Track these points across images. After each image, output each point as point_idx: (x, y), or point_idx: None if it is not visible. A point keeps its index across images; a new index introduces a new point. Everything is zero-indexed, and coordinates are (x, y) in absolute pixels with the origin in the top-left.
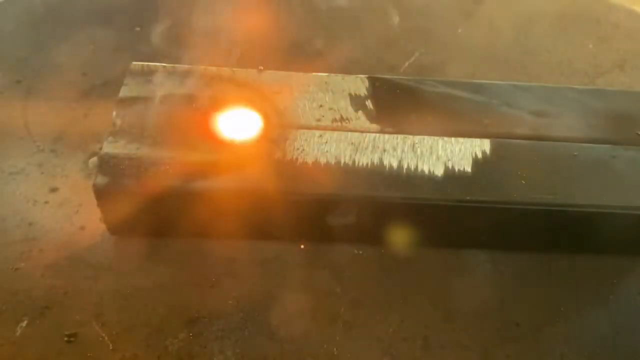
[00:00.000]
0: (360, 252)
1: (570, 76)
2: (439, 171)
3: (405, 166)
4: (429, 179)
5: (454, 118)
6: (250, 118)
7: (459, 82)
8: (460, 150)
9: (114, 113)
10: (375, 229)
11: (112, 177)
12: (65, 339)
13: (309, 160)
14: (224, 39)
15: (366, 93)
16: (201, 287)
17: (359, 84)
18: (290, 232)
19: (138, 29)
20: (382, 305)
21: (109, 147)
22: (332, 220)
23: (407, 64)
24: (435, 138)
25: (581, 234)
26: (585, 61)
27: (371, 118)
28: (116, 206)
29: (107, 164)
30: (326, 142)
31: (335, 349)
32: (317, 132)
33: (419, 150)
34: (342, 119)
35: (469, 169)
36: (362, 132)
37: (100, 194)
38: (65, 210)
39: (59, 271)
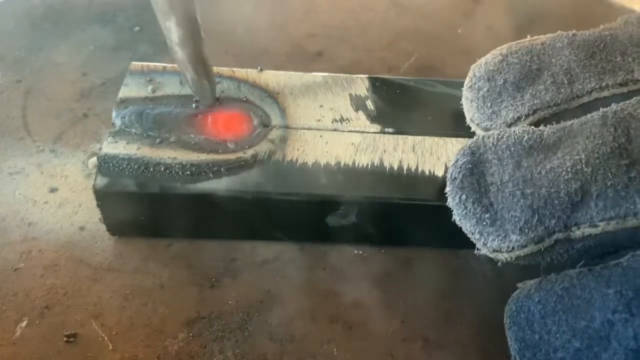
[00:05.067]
0: (360, 252)
1: None
2: (440, 172)
3: (405, 167)
4: (430, 180)
5: (454, 118)
6: (250, 118)
7: (459, 82)
8: None
9: (114, 113)
10: (375, 229)
11: (112, 177)
12: (65, 339)
13: (309, 160)
14: (223, 38)
15: (366, 93)
16: (201, 287)
17: (359, 84)
18: (290, 233)
19: (138, 29)
20: (382, 305)
21: (109, 148)
22: (332, 220)
23: (407, 64)
24: (436, 138)
25: None
26: None
27: (371, 118)
28: (116, 207)
29: (107, 165)
30: (326, 143)
31: (335, 349)
32: (317, 133)
33: (419, 150)
34: (342, 119)
35: None
36: (362, 132)
37: (100, 194)
38: (65, 211)
39: (59, 271)
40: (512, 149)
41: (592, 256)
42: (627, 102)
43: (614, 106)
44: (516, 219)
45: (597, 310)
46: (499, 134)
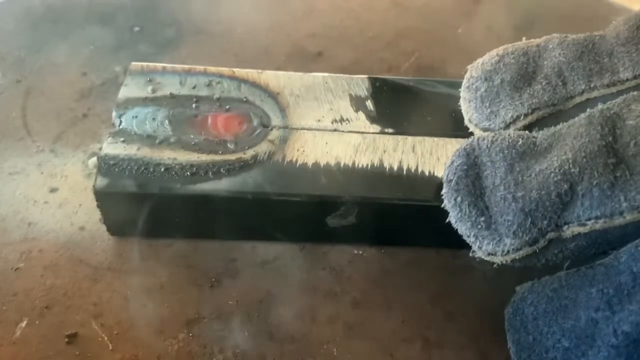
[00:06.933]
0: (360, 253)
1: None
2: (440, 172)
3: (405, 167)
4: (430, 180)
5: (454, 118)
6: (250, 119)
7: (459, 82)
8: None
9: (114, 113)
10: (375, 229)
11: (112, 178)
12: (66, 339)
13: (309, 161)
14: (223, 38)
15: (366, 93)
16: (201, 287)
17: (359, 84)
18: (290, 233)
19: (138, 29)
20: (382, 305)
21: (109, 148)
22: (332, 221)
23: (407, 64)
24: (436, 139)
25: None
26: None
27: (371, 118)
28: (116, 207)
29: (107, 165)
30: (326, 143)
31: (335, 349)
32: (318, 133)
33: (419, 151)
34: (342, 119)
35: None
36: (362, 132)
37: (100, 195)
38: (65, 211)
39: (59, 271)
40: (506, 152)
41: (585, 256)
42: (613, 101)
43: (600, 106)
44: (509, 223)
45: (582, 309)
46: (493, 137)
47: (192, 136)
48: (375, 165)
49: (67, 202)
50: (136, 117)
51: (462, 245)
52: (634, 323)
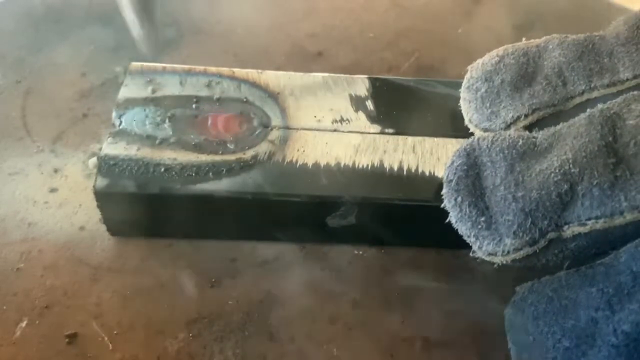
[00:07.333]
0: (360, 253)
1: None
2: (440, 172)
3: (405, 167)
4: (430, 180)
5: (454, 118)
6: (250, 119)
7: (459, 83)
8: None
9: (114, 114)
10: (375, 229)
11: (112, 178)
12: (66, 339)
13: (309, 161)
14: (223, 38)
15: (366, 93)
16: (201, 287)
17: (359, 84)
18: (290, 233)
19: None
20: (382, 305)
21: (109, 148)
22: (332, 221)
23: (407, 64)
24: (436, 139)
25: None
26: None
27: (371, 119)
28: (116, 208)
29: (107, 165)
30: (326, 143)
31: (335, 349)
32: (318, 133)
33: (419, 151)
34: (342, 119)
35: None
36: (362, 132)
37: (100, 195)
38: (65, 211)
39: (59, 271)
40: (506, 152)
41: (585, 256)
42: (613, 101)
43: (600, 105)
44: (509, 223)
45: (582, 309)
46: (493, 137)
47: (192, 136)
48: (375, 165)
49: (67, 202)
50: (136, 117)
51: (462, 245)
52: (634, 322)
